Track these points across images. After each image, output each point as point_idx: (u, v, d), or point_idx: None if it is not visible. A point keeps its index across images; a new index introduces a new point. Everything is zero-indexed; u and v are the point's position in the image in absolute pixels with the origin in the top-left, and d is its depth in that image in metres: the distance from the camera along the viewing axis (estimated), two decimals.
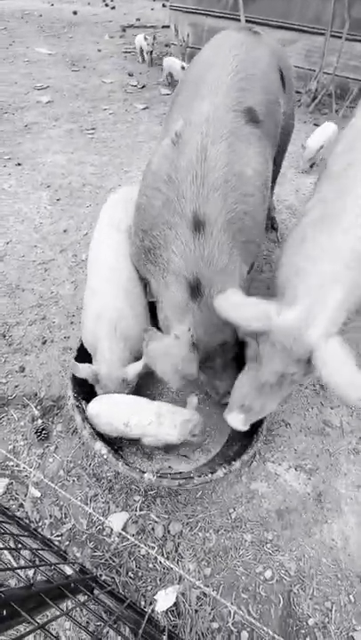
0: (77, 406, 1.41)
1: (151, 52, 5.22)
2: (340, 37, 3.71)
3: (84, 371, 1.41)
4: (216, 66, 1.35)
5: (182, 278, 1.23)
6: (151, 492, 1.49)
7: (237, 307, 1.12)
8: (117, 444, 1.52)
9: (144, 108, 4.20)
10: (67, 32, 6.94)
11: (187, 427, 1.36)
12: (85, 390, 1.50)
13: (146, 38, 5.10)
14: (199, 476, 1.26)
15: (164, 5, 9.26)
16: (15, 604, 0.54)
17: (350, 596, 1.27)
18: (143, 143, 3.57)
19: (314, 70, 4.08)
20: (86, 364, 1.43)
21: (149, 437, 1.39)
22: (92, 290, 1.54)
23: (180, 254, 1.22)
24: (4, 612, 0.51)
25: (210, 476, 1.26)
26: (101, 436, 1.39)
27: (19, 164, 3.19)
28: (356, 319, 1.23)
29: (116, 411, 1.39)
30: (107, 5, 9.76)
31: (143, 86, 4.72)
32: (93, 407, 1.40)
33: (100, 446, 1.30)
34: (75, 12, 8.53)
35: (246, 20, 4.28)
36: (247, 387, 1.19)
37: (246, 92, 1.32)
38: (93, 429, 1.37)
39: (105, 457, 1.28)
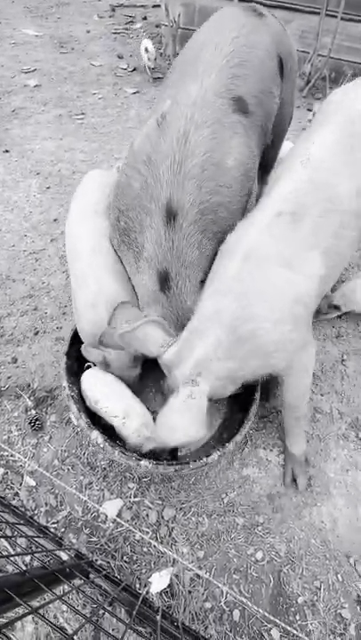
0: (72, 396, 1.42)
1: (153, 68, 4.36)
2: (335, 17, 3.62)
3: (95, 355, 1.41)
4: (212, 46, 1.30)
5: (153, 268, 1.24)
6: (145, 480, 1.52)
7: (137, 341, 1.22)
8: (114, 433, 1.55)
9: (134, 93, 4.10)
10: (54, 12, 6.68)
11: (146, 444, 1.31)
12: (79, 381, 1.50)
13: (147, 50, 4.15)
14: (195, 461, 1.29)
15: None
16: (10, 589, 0.56)
17: (338, 576, 1.32)
18: (133, 129, 3.50)
19: (308, 52, 3.99)
20: (96, 350, 1.42)
21: (116, 429, 1.38)
22: (79, 278, 1.47)
23: (152, 243, 1.23)
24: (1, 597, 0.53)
25: (205, 459, 1.28)
26: (98, 425, 1.40)
27: (6, 151, 3.11)
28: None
29: (95, 388, 1.42)
30: None
31: (134, 69, 4.60)
32: (85, 376, 1.45)
33: (96, 435, 1.31)
34: None
35: (240, 0, 4.16)
36: None
37: (239, 79, 1.29)
38: (89, 420, 1.38)
39: (101, 445, 1.30)
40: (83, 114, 3.66)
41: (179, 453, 1.45)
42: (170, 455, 1.43)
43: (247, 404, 1.43)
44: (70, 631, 1.12)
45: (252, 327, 1.09)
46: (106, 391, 1.39)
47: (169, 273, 1.24)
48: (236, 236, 1.22)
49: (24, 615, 0.51)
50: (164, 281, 1.24)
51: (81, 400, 1.45)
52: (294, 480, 1.49)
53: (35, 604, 1.16)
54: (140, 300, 1.36)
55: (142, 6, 7.18)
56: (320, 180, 1.18)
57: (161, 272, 1.25)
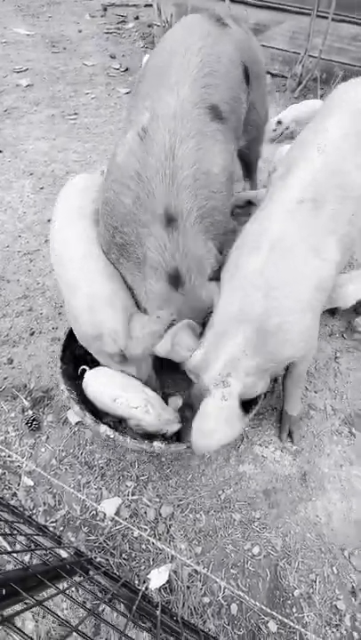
0: (73, 398, 1.44)
1: None
2: (326, 17, 3.66)
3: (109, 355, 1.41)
4: (182, 57, 1.33)
5: (162, 271, 1.26)
6: (143, 478, 1.53)
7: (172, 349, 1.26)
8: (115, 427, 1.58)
9: (127, 93, 4.10)
10: (46, 11, 6.65)
11: (166, 427, 1.43)
12: (77, 383, 1.52)
13: None
14: None
15: None
16: (14, 584, 0.57)
17: (333, 568, 1.34)
18: None
19: (299, 53, 4.03)
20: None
21: (134, 420, 1.42)
22: (71, 284, 1.44)
23: (155, 250, 1.25)
24: (4, 592, 0.54)
25: None
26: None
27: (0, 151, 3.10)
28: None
29: (109, 384, 1.43)
30: None
31: (126, 69, 4.60)
32: (89, 377, 1.45)
33: (104, 429, 1.35)
34: None
35: (231, 0, 4.18)
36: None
37: (211, 88, 1.33)
38: (93, 417, 1.40)
39: (112, 437, 1.33)
40: (76, 114, 3.65)
41: (185, 437, 1.49)
42: (176, 437, 1.51)
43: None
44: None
45: (279, 321, 1.12)
46: (123, 386, 1.43)
47: (180, 271, 1.25)
48: (257, 228, 1.24)
49: (30, 607, 0.52)
50: (176, 279, 1.26)
51: (81, 400, 1.46)
52: (289, 435, 1.62)
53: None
54: (151, 306, 1.37)
55: (134, 6, 7.17)
56: (335, 166, 1.22)
57: (171, 273, 1.26)
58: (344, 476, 1.55)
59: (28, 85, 4.06)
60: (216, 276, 1.39)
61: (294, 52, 4.16)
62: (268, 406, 1.74)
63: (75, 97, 3.95)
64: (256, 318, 1.11)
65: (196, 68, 1.31)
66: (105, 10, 6.84)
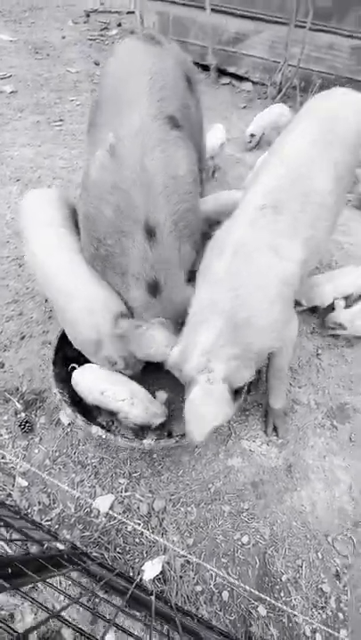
0: (65, 401, 1.48)
1: None
2: (303, 27, 3.80)
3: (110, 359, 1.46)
4: (132, 79, 1.44)
5: (142, 281, 1.36)
6: (135, 474, 1.58)
7: (148, 343, 1.32)
8: (107, 427, 1.64)
9: None
10: (28, 17, 6.66)
11: (153, 419, 1.50)
12: (69, 385, 1.57)
13: None
14: None
15: None
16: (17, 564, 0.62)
17: (318, 553, 1.42)
18: None
19: (278, 62, 4.16)
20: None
21: (122, 414, 1.49)
22: (64, 291, 1.47)
23: (137, 260, 1.34)
24: (9, 571, 0.58)
25: None
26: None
27: None
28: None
29: (96, 379, 1.49)
30: None
31: None
32: (77, 375, 1.51)
33: (96, 430, 1.41)
34: None
35: (212, 9, 4.29)
36: None
37: (165, 101, 1.44)
38: (85, 419, 1.45)
39: (104, 437, 1.40)
40: (61, 120, 3.69)
41: (174, 433, 1.59)
42: (167, 434, 1.59)
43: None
44: (67, 618, 1.17)
45: (247, 315, 1.19)
46: (110, 380, 1.49)
47: (158, 280, 1.35)
48: (223, 233, 1.32)
49: (34, 581, 0.56)
50: (154, 288, 1.36)
51: (73, 403, 1.52)
52: (274, 429, 1.69)
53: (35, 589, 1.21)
54: (135, 312, 1.46)
55: (117, 12, 7.24)
56: (297, 175, 1.31)
57: (150, 282, 1.36)
58: (327, 466, 1.63)
59: (12, 92, 4.08)
60: (192, 277, 1.49)
61: (274, 61, 4.29)
62: (253, 402, 1.81)
63: (60, 103, 3.98)
64: (226, 313, 1.19)
65: (148, 85, 1.42)
66: (88, 16, 6.89)
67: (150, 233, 1.31)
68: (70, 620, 1.17)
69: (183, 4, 4.60)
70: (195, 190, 1.50)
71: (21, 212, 1.73)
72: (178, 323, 1.38)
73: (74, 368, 1.56)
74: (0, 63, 4.71)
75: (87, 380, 1.51)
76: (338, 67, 4.04)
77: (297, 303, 2.04)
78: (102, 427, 1.57)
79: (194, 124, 1.76)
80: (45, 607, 0.56)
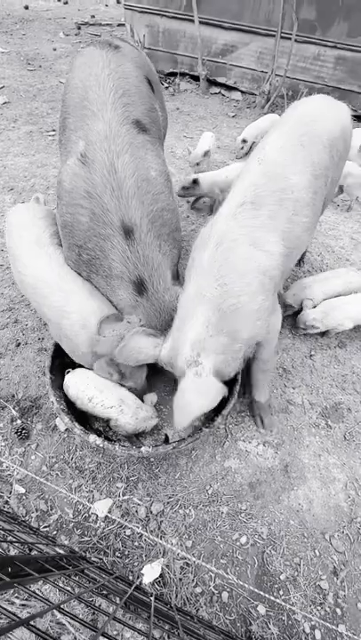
0: (62, 409, 1.49)
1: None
2: (289, 39, 3.91)
3: (108, 371, 1.46)
4: (96, 87, 1.48)
5: (127, 280, 1.39)
6: (133, 478, 1.59)
7: (134, 353, 1.35)
8: (104, 433, 1.65)
9: None
10: (19, 28, 6.76)
11: (144, 424, 1.52)
12: (65, 394, 1.58)
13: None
14: (189, 436, 1.45)
15: (118, 2, 9.19)
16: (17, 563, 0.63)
17: (316, 551, 1.43)
18: None
19: (266, 72, 4.27)
20: (108, 366, 1.47)
21: (112, 421, 1.50)
22: (56, 308, 1.46)
23: (119, 261, 1.37)
24: (10, 570, 0.59)
25: (198, 434, 1.44)
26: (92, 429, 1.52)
27: None
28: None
29: (85, 385, 1.50)
30: (59, 0, 9.55)
31: None
32: (67, 378, 1.53)
33: (93, 438, 1.41)
34: (26, 7, 8.29)
35: (200, 22, 4.40)
36: None
37: (130, 106, 1.48)
38: (82, 427, 1.46)
39: (101, 445, 1.40)
40: (54, 130, 3.73)
41: (170, 439, 1.59)
42: (164, 441, 1.60)
43: (231, 384, 1.54)
44: (67, 623, 1.16)
45: (233, 302, 1.25)
46: (98, 387, 1.49)
47: (143, 278, 1.38)
48: (207, 228, 1.38)
49: (37, 578, 0.58)
50: (141, 286, 1.39)
51: (70, 410, 1.52)
52: (262, 422, 1.74)
53: (35, 588, 1.20)
54: (124, 314, 1.48)
55: (108, 25, 7.37)
56: (273, 174, 1.38)
57: (135, 281, 1.39)
58: (323, 465, 1.65)
59: (4, 103, 4.13)
60: (177, 277, 1.54)
61: (262, 72, 4.40)
62: (248, 404, 1.83)
63: (52, 114, 4.03)
64: (213, 301, 1.24)
65: (112, 92, 1.46)
66: (79, 29, 7.02)
67: (128, 233, 1.35)
68: (67, 623, 1.17)
69: (173, 17, 4.71)
70: (168, 190, 1.54)
71: (8, 229, 1.69)
72: (166, 322, 1.41)
73: (68, 372, 1.58)
74: None
75: (76, 385, 1.51)
76: (324, 76, 4.16)
77: (289, 306, 2.08)
78: (99, 433, 1.59)
79: (160, 126, 1.81)
80: (46, 600, 0.57)
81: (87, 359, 1.49)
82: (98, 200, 1.35)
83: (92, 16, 8.00)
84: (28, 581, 0.58)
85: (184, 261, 1.57)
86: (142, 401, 1.59)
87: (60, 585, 1.24)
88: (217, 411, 1.49)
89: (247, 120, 4.16)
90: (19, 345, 2.01)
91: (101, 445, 1.40)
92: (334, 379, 1.95)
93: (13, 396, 1.82)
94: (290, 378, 1.95)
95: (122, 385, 1.54)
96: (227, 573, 1.37)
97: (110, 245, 1.37)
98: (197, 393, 1.24)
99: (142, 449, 1.41)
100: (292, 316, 2.15)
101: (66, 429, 1.71)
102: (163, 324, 1.42)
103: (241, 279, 1.26)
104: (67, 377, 1.56)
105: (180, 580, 1.35)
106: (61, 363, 1.65)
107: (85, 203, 1.37)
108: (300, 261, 2.54)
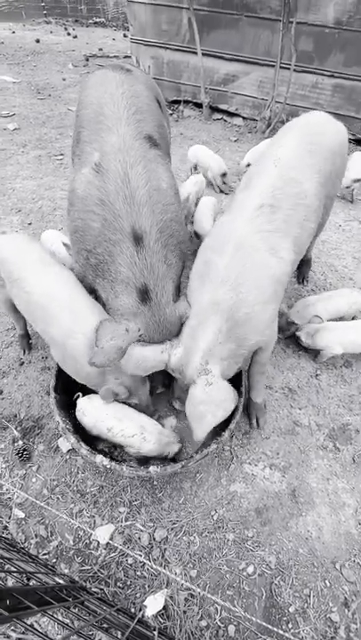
0: (68, 429, 1.47)
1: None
2: (288, 69, 4.08)
3: (113, 393, 1.45)
4: (109, 103, 1.56)
5: (131, 286, 1.39)
6: (135, 503, 1.54)
7: (142, 362, 1.38)
8: (110, 453, 1.63)
9: None
10: (30, 60, 7.10)
11: (167, 448, 1.51)
12: (71, 412, 1.57)
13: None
14: (196, 453, 1.43)
15: (125, 36, 9.67)
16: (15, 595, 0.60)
17: (326, 581, 1.37)
18: None
19: (267, 99, 4.43)
20: (115, 386, 1.46)
21: (133, 449, 1.47)
22: (64, 327, 1.44)
23: (126, 266, 1.39)
24: (8, 603, 0.57)
25: (206, 450, 1.42)
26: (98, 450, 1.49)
27: None
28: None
29: (103, 414, 1.48)
30: (69, 34, 10.06)
31: None
32: (83, 405, 1.50)
33: (100, 459, 1.39)
34: (37, 40, 8.73)
35: (203, 53, 4.60)
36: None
37: (142, 122, 1.56)
38: (89, 447, 1.43)
39: (109, 466, 1.37)
40: (62, 154, 3.85)
41: (177, 457, 1.59)
42: (171, 460, 1.58)
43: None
44: None
45: (247, 311, 1.26)
46: (117, 416, 1.48)
47: (148, 286, 1.39)
48: (221, 230, 1.39)
49: (36, 612, 0.55)
50: (145, 294, 1.39)
51: (75, 431, 1.50)
52: (257, 421, 1.77)
53: (32, 620, 1.15)
54: (121, 318, 1.45)
55: (115, 57, 7.72)
56: (289, 177, 1.41)
57: (140, 288, 1.39)
58: (331, 489, 1.60)
59: (15, 129, 4.28)
60: (178, 292, 1.56)
61: (262, 99, 4.56)
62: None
63: (60, 139, 4.17)
64: (227, 310, 1.25)
65: (126, 109, 1.54)
66: (87, 60, 7.36)
67: (137, 239, 1.37)
68: None
69: (177, 50, 4.93)
70: (177, 202, 1.60)
71: (3, 255, 1.63)
72: (164, 336, 1.42)
73: (79, 396, 1.56)
74: (4, 102, 4.97)
75: (93, 415, 1.49)
76: (322, 103, 4.30)
77: (293, 323, 2.07)
78: (105, 453, 1.55)
79: (169, 140, 1.92)
80: (45, 636, 0.54)
81: (92, 380, 1.48)
82: (110, 207, 1.39)
83: (100, 49, 8.40)
84: (26, 615, 0.55)
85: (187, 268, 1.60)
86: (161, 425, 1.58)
87: (59, 618, 1.19)
88: (223, 425, 1.47)
89: (249, 144, 4.28)
90: (22, 364, 2.01)
91: (109, 466, 1.37)
92: (341, 399, 1.92)
93: (16, 416, 1.80)
94: (295, 398, 1.91)
95: (127, 403, 1.53)
96: (233, 606, 1.31)
97: (119, 250, 1.39)
98: (211, 403, 1.25)
99: (150, 469, 1.37)
100: (295, 336, 2.13)
101: (68, 451, 1.68)
102: (160, 337, 1.42)
103: (257, 289, 1.28)
104: (80, 403, 1.52)
105: (185, 612, 1.29)
106: (66, 381, 1.63)
107: (98, 209, 1.41)
108: (304, 280, 2.55)
